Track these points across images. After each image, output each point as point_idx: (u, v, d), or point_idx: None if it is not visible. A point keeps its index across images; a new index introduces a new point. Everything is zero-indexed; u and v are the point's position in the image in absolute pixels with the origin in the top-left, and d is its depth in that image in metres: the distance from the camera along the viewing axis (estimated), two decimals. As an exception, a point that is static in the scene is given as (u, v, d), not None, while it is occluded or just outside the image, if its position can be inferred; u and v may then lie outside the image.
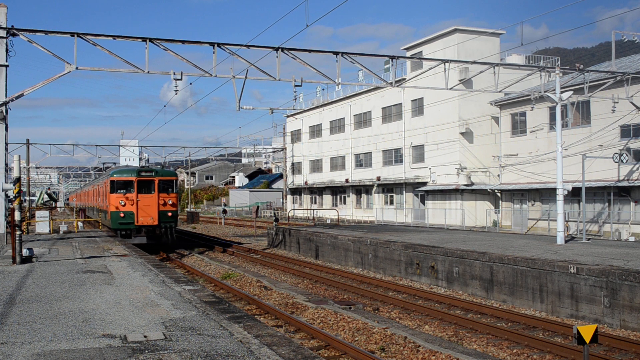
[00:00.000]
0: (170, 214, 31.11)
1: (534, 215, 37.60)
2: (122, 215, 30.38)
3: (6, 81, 21.87)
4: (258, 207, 48.70)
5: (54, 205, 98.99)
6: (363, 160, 57.89)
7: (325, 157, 64.96)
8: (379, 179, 54.06)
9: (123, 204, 30.44)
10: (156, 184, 30.90)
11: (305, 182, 69.06)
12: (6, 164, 23.09)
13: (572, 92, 24.92)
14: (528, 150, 38.26)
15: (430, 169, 46.86)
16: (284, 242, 33.82)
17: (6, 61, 21.42)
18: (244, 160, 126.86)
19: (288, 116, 72.93)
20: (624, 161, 30.18)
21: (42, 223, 37.85)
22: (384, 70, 49.19)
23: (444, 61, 25.31)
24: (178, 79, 21.52)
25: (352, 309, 16.01)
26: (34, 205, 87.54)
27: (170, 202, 31.34)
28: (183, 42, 21.73)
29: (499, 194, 41.21)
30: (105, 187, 33.04)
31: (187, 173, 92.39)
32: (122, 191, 30.66)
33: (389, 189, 53.40)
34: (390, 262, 23.15)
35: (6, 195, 22.50)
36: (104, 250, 24.93)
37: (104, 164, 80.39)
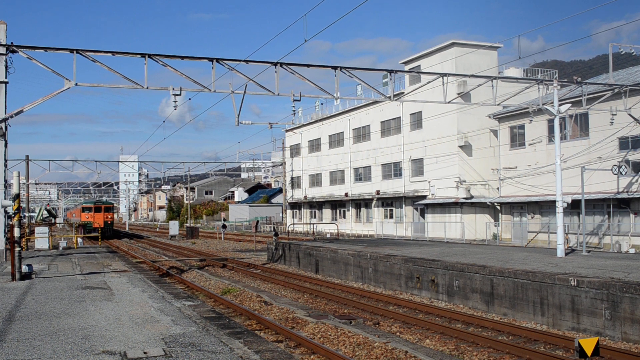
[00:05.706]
0: (109, 222, 62.96)
1: (534, 227, 37.57)
2: (86, 223, 60.96)
3: (5, 98, 21.97)
4: (257, 221, 48.56)
5: (53, 222, 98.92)
6: (362, 174, 57.92)
7: (325, 171, 65.00)
8: (378, 192, 54.08)
9: (87, 217, 61.29)
10: (103, 208, 62.03)
11: (305, 197, 69.04)
12: (5, 180, 23.12)
13: (570, 104, 24.99)
14: (527, 163, 38.32)
15: (429, 182, 46.89)
16: (283, 257, 33.74)
17: (5, 78, 21.53)
18: (243, 175, 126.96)
19: (287, 130, 73.00)
20: (623, 173, 30.22)
21: (41, 239, 37.84)
22: (383, 84, 49.37)
23: (442, 75, 25.43)
24: (177, 95, 21.59)
25: (353, 324, 15.95)
26: (33, 221, 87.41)
27: (109, 217, 63.09)
28: (182, 57, 21.84)
29: (498, 207, 41.22)
30: (80, 209, 65.31)
31: (187, 188, 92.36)
32: (87, 211, 61.63)
33: (389, 202, 53.41)
34: (391, 276, 23.09)
35: (5, 212, 22.50)
36: (103, 266, 24.89)
37: (104, 183, 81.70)
